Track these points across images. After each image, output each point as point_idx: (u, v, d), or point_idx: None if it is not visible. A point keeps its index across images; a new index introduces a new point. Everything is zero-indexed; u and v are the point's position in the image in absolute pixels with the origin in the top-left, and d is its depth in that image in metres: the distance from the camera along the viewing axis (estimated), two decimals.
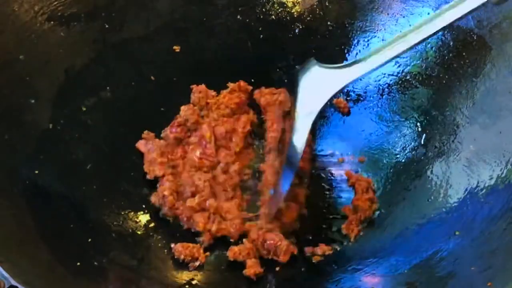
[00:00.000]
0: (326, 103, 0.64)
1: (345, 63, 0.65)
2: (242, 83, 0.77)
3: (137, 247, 0.65)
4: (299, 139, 0.63)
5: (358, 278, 0.63)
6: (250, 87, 0.77)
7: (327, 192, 0.74)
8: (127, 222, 0.67)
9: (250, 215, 0.70)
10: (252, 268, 0.64)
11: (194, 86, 0.76)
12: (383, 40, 0.77)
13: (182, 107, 0.75)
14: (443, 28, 0.61)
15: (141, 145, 0.73)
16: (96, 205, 0.66)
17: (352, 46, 0.78)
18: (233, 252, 0.66)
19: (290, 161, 0.64)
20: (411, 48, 0.62)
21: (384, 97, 0.76)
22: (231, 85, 0.77)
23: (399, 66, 0.76)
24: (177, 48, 0.78)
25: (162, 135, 0.74)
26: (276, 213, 0.68)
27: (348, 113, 0.77)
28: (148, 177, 0.71)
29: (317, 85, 0.64)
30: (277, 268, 0.66)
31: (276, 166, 0.70)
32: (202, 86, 0.76)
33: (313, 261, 0.67)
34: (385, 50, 0.62)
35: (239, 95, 0.76)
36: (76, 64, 0.72)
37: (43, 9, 0.70)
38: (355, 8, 0.78)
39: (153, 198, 0.69)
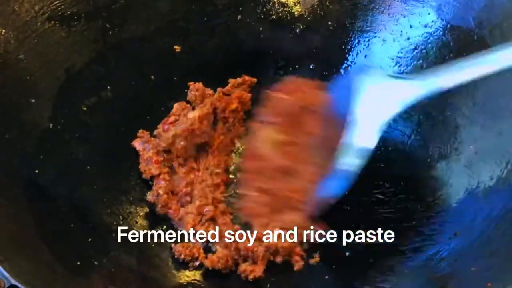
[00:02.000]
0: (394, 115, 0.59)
1: (418, 74, 0.61)
2: (246, 77, 0.77)
3: (137, 247, 0.65)
4: (364, 149, 0.59)
5: None
6: (255, 80, 0.78)
7: None
8: (127, 222, 0.67)
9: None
10: (253, 273, 0.64)
11: (191, 84, 0.76)
12: (384, 40, 0.77)
13: (175, 105, 0.74)
14: None
15: (136, 144, 0.72)
16: (96, 205, 0.66)
17: (353, 46, 0.78)
18: (210, 261, 0.64)
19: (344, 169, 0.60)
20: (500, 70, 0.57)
21: None
22: (232, 81, 0.77)
23: (399, 66, 0.76)
24: (177, 48, 0.78)
25: (155, 133, 0.74)
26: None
27: None
28: (144, 176, 0.71)
29: (385, 95, 0.59)
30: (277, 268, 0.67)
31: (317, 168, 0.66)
32: (199, 84, 0.76)
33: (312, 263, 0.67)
34: (469, 67, 0.58)
35: (245, 92, 0.77)
36: (77, 63, 0.72)
37: (44, 8, 0.70)
38: (355, 8, 0.78)
39: (149, 197, 0.69)
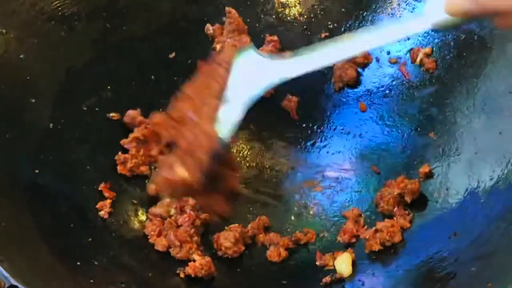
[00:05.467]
0: (260, 93, 0.61)
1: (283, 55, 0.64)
2: None
3: (137, 247, 0.65)
4: (226, 126, 0.61)
5: (358, 278, 0.63)
6: None
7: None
8: (127, 221, 0.67)
9: None
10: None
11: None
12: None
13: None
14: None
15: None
16: (96, 205, 0.66)
17: None
18: (193, 269, 0.63)
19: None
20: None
21: (384, 97, 0.76)
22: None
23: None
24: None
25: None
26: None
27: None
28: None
29: (253, 73, 0.62)
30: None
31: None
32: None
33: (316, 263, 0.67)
34: (333, 49, 0.60)
35: None
36: (77, 63, 0.72)
37: (44, 8, 0.70)
38: (356, 8, 0.78)
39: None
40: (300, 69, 0.61)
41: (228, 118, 0.61)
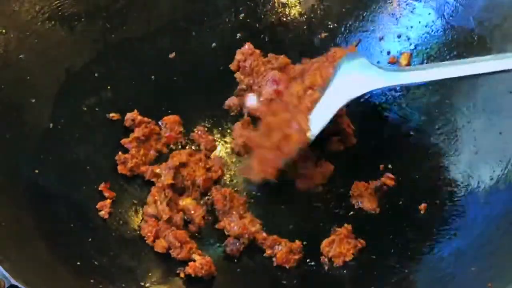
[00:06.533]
0: (360, 97, 0.66)
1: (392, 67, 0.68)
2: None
3: (137, 247, 0.65)
4: (317, 122, 0.65)
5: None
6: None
7: None
8: (127, 221, 0.67)
9: None
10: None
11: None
12: (384, 40, 0.77)
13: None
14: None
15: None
16: (96, 205, 0.66)
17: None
18: (193, 268, 0.63)
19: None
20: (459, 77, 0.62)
21: (384, 97, 0.76)
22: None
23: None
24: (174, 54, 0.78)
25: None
26: None
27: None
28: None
29: (358, 76, 0.66)
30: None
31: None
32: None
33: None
34: (435, 69, 0.63)
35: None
36: (77, 63, 0.72)
37: (44, 8, 0.70)
38: (356, 8, 0.78)
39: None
40: (406, 80, 0.65)
41: (320, 115, 0.65)
